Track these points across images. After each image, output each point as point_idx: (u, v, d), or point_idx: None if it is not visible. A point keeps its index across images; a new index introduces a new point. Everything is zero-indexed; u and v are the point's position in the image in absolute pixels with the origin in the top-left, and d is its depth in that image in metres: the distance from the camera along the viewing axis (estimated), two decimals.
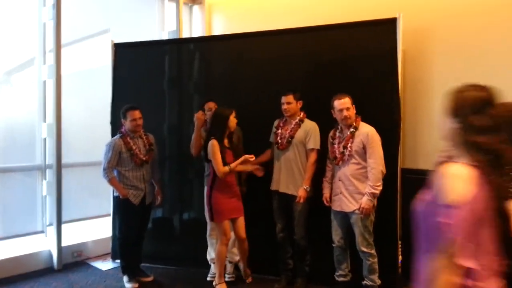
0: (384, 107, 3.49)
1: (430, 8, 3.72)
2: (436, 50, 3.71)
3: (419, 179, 3.81)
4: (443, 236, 1.31)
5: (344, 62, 3.68)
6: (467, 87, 1.50)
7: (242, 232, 3.54)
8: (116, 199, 3.79)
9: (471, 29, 3.53)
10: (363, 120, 3.30)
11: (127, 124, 3.67)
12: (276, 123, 3.68)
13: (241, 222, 3.54)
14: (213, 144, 3.36)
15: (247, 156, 3.38)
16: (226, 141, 3.48)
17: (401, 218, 3.55)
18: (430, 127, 3.72)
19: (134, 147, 3.66)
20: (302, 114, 3.54)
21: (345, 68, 3.66)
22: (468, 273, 1.32)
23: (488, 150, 1.36)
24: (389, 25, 3.48)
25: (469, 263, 1.32)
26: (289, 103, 3.48)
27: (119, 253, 3.93)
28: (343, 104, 3.20)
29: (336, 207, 3.33)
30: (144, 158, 3.71)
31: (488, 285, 1.37)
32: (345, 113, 3.19)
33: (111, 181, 3.63)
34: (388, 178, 3.34)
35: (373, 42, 3.59)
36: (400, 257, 3.54)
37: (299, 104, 3.52)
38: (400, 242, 3.53)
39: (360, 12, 3.87)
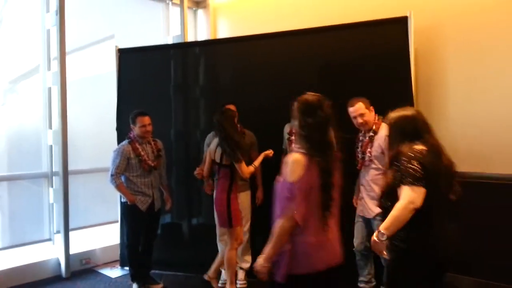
0: (397, 108, 3.39)
1: (441, 5, 3.65)
2: (448, 48, 3.63)
3: None
4: (287, 204, 1.92)
5: (354, 63, 3.61)
6: (306, 95, 2.07)
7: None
8: (123, 205, 3.75)
9: (484, 26, 3.45)
10: None
11: (136, 130, 3.61)
12: (288, 129, 3.54)
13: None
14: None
15: (266, 152, 3.38)
16: None
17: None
18: (444, 127, 3.63)
19: (142, 153, 3.61)
20: None
21: (355, 69, 3.59)
22: (303, 229, 1.94)
23: (315, 141, 1.96)
24: (400, 23, 3.41)
25: (304, 223, 1.93)
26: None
27: (127, 260, 3.87)
28: (355, 111, 3.09)
29: (359, 211, 3.25)
30: (152, 164, 3.66)
31: (319, 237, 1.98)
32: (359, 120, 3.09)
33: (118, 187, 3.57)
34: None
35: (384, 42, 3.52)
36: None
37: None
38: None
39: (369, 11, 3.79)
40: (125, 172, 3.59)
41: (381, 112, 3.18)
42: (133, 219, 3.69)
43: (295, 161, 1.95)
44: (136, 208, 3.60)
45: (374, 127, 3.10)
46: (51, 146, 4.32)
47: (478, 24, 3.47)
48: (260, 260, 1.98)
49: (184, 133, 4.33)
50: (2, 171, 4.22)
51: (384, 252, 2.08)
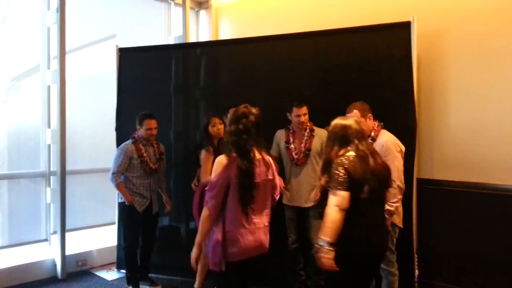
0: (398, 114, 3.34)
1: (444, 11, 3.60)
2: (451, 54, 3.58)
3: (435, 190, 3.73)
4: (207, 198, 2.30)
5: (356, 67, 3.55)
6: (239, 107, 2.44)
7: None
8: (120, 206, 3.73)
9: (487, 32, 3.40)
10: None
11: (141, 132, 3.61)
12: (283, 137, 3.48)
13: None
14: (202, 153, 3.39)
15: None
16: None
17: (417, 231, 3.41)
18: (447, 135, 3.59)
19: (145, 155, 3.61)
20: (310, 123, 3.39)
21: (357, 73, 3.53)
22: (224, 220, 2.31)
23: (237, 145, 2.32)
24: (403, 28, 3.36)
25: (219, 214, 2.31)
26: (306, 114, 3.31)
27: (124, 263, 3.83)
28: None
29: None
30: (153, 167, 3.65)
31: (239, 229, 2.30)
32: None
33: (118, 186, 3.56)
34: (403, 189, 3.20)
35: (387, 46, 3.47)
36: (416, 272, 3.39)
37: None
38: (416, 257, 3.39)
39: (372, 16, 3.74)
40: (125, 172, 3.59)
41: (382, 117, 3.15)
42: (130, 220, 3.68)
43: (218, 161, 2.34)
44: (133, 209, 3.59)
45: (372, 134, 3.01)
46: (49, 145, 4.29)
47: (482, 30, 3.42)
48: (193, 249, 2.34)
49: (184, 134, 4.29)
50: (2, 169, 4.20)
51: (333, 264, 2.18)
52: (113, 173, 3.54)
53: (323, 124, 3.36)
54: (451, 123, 3.58)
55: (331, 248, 2.16)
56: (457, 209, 3.51)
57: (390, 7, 3.85)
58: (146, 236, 3.78)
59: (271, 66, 3.87)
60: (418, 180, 3.47)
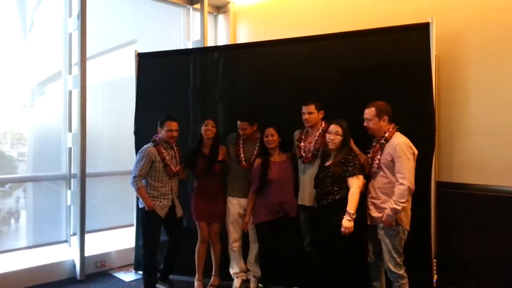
0: (418, 117, 3.30)
1: (463, 11, 3.54)
2: (471, 55, 3.52)
3: (455, 193, 3.65)
4: None
5: (375, 69, 3.52)
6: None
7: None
8: (141, 211, 3.67)
9: (507, 34, 3.33)
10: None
11: (162, 133, 3.61)
12: (297, 135, 3.58)
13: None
14: None
15: None
16: (207, 150, 3.69)
17: (436, 235, 3.34)
18: (467, 138, 3.51)
19: (167, 158, 3.60)
20: (324, 124, 3.41)
21: (376, 76, 3.50)
22: None
23: None
24: (422, 30, 3.30)
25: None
26: (311, 113, 3.37)
27: (142, 267, 3.77)
28: (365, 114, 3.09)
29: (368, 220, 3.16)
30: (175, 170, 3.64)
31: None
32: (365, 123, 3.09)
33: (139, 190, 3.52)
34: (422, 192, 3.15)
35: (406, 48, 3.43)
36: (435, 277, 3.32)
37: (321, 114, 3.40)
38: (435, 261, 3.31)
39: (391, 17, 3.71)
40: (146, 175, 3.56)
41: (401, 119, 3.13)
42: (150, 226, 3.62)
43: None
44: (154, 214, 3.55)
45: (386, 135, 3.03)
46: (70, 149, 4.38)
47: (501, 31, 3.35)
48: None
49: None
50: (27, 172, 4.30)
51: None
52: (134, 177, 3.50)
53: None
54: (472, 126, 3.50)
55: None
56: (478, 213, 3.43)
57: (409, 9, 3.82)
58: (172, 241, 3.74)
59: (289, 69, 3.87)
60: (438, 183, 3.40)
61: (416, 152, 2.96)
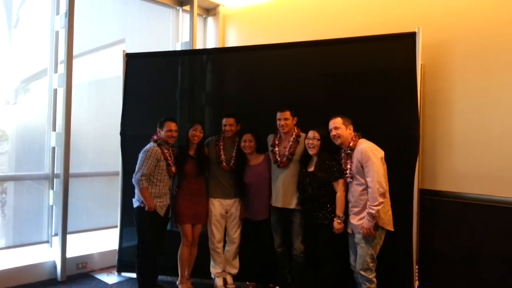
0: (402, 124, 3.36)
1: (449, 22, 3.60)
2: (456, 65, 3.57)
3: (438, 201, 3.71)
4: None
5: (361, 76, 3.58)
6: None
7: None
8: (139, 210, 3.55)
9: (492, 43, 3.39)
10: (380, 138, 3.15)
11: (162, 134, 3.61)
12: (270, 140, 3.65)
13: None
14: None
15: None
16: (192, 152, 3.71)
17: (418, 241, 3.38)
18: (450, 145, 3.56)
19: (169, 158, 3.61)
20: (296, 129, 3.53)
21: (362, 83, 3.56)
22: None
23: None
24: (408, 39, 3.37)
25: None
26: (287, 119, 3.48)
27: (138, 268, 3.64)
28: (332, 124, 3.19)
29: (348, 228, 3.21)
30: (175, 170, 3.64)
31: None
32: (333, 132, 3.17)
33: (142, 190, 3.46)
34: (405, 199, 3.19)
35: (392, 57, 3.49)
36: (416, 283, 3.36)
37: (295, 120, 3.52)
38: (417, 267, 3.35)
39: (378, 26, 3.76)
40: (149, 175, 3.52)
41: (386, 126, 3.24)
42: (149, 225, 3.55)
43: None
44: (153, 214, 3.51)
45: (351, 144, 3.13)
46: (53, 148, 4.32)
47: (487, 41, 3.41)
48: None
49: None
50: (9, 170, 4.23)
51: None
52: (140, 176, 3.44)
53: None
54: (455, 134, 3.56)
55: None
56: (460, 221, 3.48)
57: (396, 18, 3.87)
58: (160, 239, 3.68)
59: (277, 74, 3.90)
60: (421, 190, 3.44)
61: (382, 153, 3.04)
